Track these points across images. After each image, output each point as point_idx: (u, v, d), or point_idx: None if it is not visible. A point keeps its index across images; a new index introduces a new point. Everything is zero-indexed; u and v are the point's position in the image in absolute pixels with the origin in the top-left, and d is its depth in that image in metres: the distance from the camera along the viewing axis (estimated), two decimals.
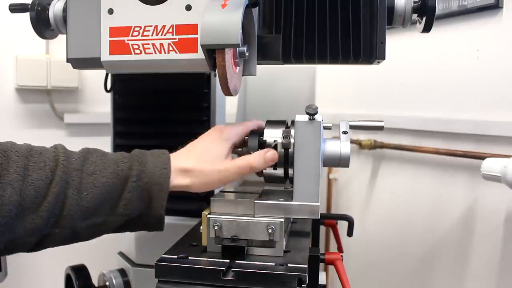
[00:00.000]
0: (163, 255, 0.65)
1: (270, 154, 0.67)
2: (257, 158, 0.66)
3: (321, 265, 0.69)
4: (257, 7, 0.71)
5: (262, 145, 0.70)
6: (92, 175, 0.60)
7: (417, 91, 1.40)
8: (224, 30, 0.59)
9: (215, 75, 0.92)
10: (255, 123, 0.73)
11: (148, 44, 0.69)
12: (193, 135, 0.95)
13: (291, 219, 0.81)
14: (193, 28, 0.67)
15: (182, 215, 0.95)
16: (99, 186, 0.60)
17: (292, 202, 0.66)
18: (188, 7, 0.67)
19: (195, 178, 0.65)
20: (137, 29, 0.69)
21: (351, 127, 0.73)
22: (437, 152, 1.28)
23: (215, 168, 0.66)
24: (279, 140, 0.69)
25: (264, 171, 0.72)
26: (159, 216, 0.65)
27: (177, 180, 0.65)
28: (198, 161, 0.66)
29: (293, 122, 0.67)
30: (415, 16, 0.77)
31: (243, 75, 0.73)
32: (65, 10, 0.78)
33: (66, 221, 0.59)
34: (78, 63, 0.77)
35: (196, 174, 0.65)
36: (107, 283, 0.96)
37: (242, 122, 0.72)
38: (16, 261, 1.36)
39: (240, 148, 0.73)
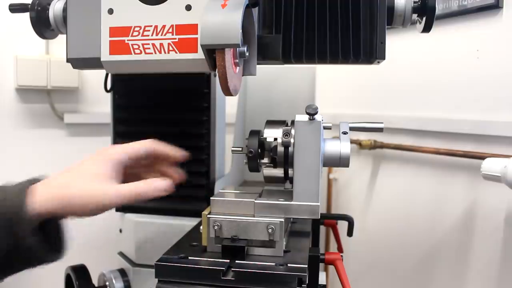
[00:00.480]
0: (163, 255, 0.65)
1: (159, 184, 0.62)
2: (144, 187, 0.61)
3: (321, 265, 0.68)
4: (257, 7, 0.71)
5: (262, 144, 0.70)
6: None
7: (417, 91, 1.40)
8: (224, 30, 0.59)
9: (215, 75, 0.92)
10: (147, 144, 0.67)
11: (148, 44, 0.69)
12: (193, 135, 0.96)
13: (291, 219, 0.81)
14: (193, 28, 0.67)
15: (182, 215, 0.95)
16: None
17: (292, 202, 0.66)
18: (188, 7, 0.67)
19: (66, 203, 0.57)
20: (137, 29, 0.69)
21: (351, 128, 0.73)
22: (437, 152, 1.28)
23: (89, 191, 0.58)
24: (279, 139, 0.69)
25: (264, 171, 0.72)
26: (32, 248, 0.56)
27: (45, 206, 0.56)
28: (69, 184, 0.59)
29: (293, 122, 0.67)
30: (415, 16, 0.77)
31: (243, 75, 0.73)
32: (65, 10, 0.78)
33: None
34: (78, 63, 0.77)
35: (66, 198, 0.57)
36: (107, 283, 0.96)
37: (134, 142, 0.67)
38: None
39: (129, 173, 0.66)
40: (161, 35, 0.68)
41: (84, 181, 0.59)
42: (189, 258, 0.64)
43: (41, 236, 0.57)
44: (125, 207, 0.99)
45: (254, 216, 0.66)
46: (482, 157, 1.07)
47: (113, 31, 0.70)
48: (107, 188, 0.59)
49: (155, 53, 0.69)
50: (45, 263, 0.59)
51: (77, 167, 0.62)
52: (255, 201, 0.67)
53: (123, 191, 0.60)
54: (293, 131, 0.67)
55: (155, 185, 0.62)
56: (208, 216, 0.67)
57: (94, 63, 0.73)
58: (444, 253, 1.31)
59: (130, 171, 0.67)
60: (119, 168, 0.63)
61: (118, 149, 0.64)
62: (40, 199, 0.56)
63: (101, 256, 1.13)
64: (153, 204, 0.97)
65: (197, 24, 0.67)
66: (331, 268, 0.71)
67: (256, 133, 0.71)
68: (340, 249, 0.98)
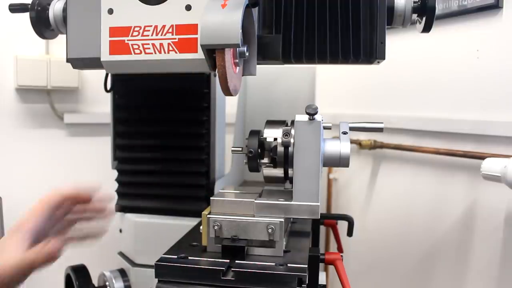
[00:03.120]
0: (163, 255, 0.65)
1: (48, 248, 0.60)
2: (32, 256, 0.59)
3: (321, 265, 0.69)
4: (257, 7, 0.71)
5: (262, 144, 0.70)
6: None
7: (417, 91, 1.40)
8: (224, 30, 0.59)
9: (215, 75, 0.92)
10: (48, 200, 0.65)
11: (148, 44, 0.69)
12: (193, 135, 0.96)
13: (291, 219, 0.81)
14: (193, 28, 0.67)
15: (182, 215, 0.95)
16: None
17: (292, 202, 0.66)
18: (188, 7, 0.67)
19: None
20: (137, 29, 0.69)
21: (351, 128, 0.73)
22: (437, 152, 1.28)
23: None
24: (279, 139, 0.68)
25: (264, 171, 0.72)
26: None
27: None
28: None
29: (293, 122, 0.67)
30: (415, 16, 0.77)
31: (243, 75, 0.73)
32: (65, 10, 0.78)
33: None
34: (78, 63, 0.77)
35: None
36: (107, 283, 0.96)
37: (35, 206, 0.64)
38: None
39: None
40: (161, 35, 0.68)
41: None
42: (189, 258, 0.64)
43: None
44: (125, 207, 0.99)
45: (254, 216, 0.66)
46: (482, 157, 1.07)
47: (113, 31, 0.70)
48: (5, 258, 0.58)
49: (155, 53, 0.69)
50: None
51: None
52: (255, 201, 0.67)
53: (17, 262, 0.58)
54: (293, 131, 0.67)
55: (45, 250, 0.60)
56: (208, 216, 0.67)
57: (94, 63, 0.73)
58: (444, 253, 1.31)
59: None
60: (29, 236, 0.61)
61: (28, 216, 0.63)
62: None
63: (101, 256, 1.13)
64: (153, 204, 0.97)
65: (197, 24, 0.67)
66: (331, 268, 0.71)
67: (256, 133, 0.71)
68: (340, 249, 0.98)
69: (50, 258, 0.60)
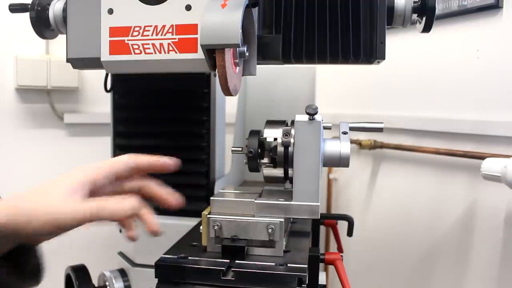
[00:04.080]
0: (163, 255, 0.65)
1: (129, 203, 0.54)
2: (111, 206, 0.53)
3: (321, 265, 0.68)
4: (257, 7, 0.71)
5: (262, 144, 0.70)
6: None
7: (417, 91, 1.40)
8: (224, 30, 0.59)
9: (215, 75, 0.92)
10: (123, 161, 0.58)
11: (148, 44, 0.69)
12: (193, 135, 0.96)
13: (291, 219, 0.81)
14: (193, 28, 0.67)
15: (182, 215, 0.95)
16: None
17: (292, 202, 0.66)
18: (188, 7, 0.67)
19: (18, 216, 0.50)
20: (137, 29, 0.69)
21: (351, 128, 0.73)
22: (437, 152, 1.28)
23: (47, 207, 0.51)
24: (279, 139, 0.68)
25: (264, 171, 0.72)
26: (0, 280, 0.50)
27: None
28: (24, 197, 0.52)
29: (293, 122, 0.67)
30: (415, 16, 0.77)
31: (243, 75, 0.73)
32: (65, 10, 0.79)
33: None
34: (78, 63, 0.77)
35: (19, 211, 0.50)
36: (107, 283, 0.96)
37: (112, 160, 0.59)
38: None
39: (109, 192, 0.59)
40: (161, 35, 0.68)
41: (41, 195, 0.52)
42: (189, 258, 0.64)
43: (11, 266, 0.51)
44: None
45: (254, 216, 0.66)
46: (482, 157, 1.07)
47: (113, 31, 0.70)
48: (64, 205, 0.51)
49: (155, 53, 0.69)
50: None
51: (38, 186, 0.55)
52: (255, 201, 0.67)
53: (83, 208, 0.51)
54: (293, 131, 0.67)
55: (124, 205, 0.53)
56: (208, 216, 0.67)
57: (94, 63, 0.73)
58: (444, 253, 1.31)
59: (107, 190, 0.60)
60: (85, 189, 0.54)
61: (91, 170, 0.56)
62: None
63: (101, 256, 1.13)
64: (153, 204, 0.97)
65: (197, 24, 0.67)
66: (331, 268, 0.71)
67: (256, 133, 0.71)
68: (340, 249, 0.98)
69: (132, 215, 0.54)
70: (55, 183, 0.54)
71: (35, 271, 0.55)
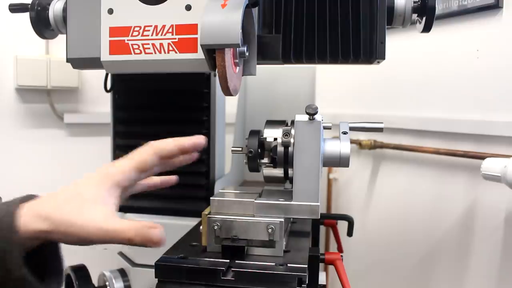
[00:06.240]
0: (163, 255, 0.65)
1: (152, 234, 0.52)
2: (132, 232, 0.51)
3: (321, 265, 0.69)
4: (257, 7, 0.71)
5: (262, 144, 0.70)
6: None
7: (417, 91, 1.40)
8: (224, 30, 0.59)
9: (215, 75, 0.92)
10: (151, 153, 0.56)
11: (148, 44, 0.69)
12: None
13: (291, 219, 0.81)
14: (193, 28, 0.67)
15: (182, 215, 0.95)
16: None
17: (292, 202, 0.66)
18: (188, 7, 0.67)
19: (55, 226, 0.49)
20: (137, 29, 0.69)
21: (351, 128, 0.73)
22: (437, 152, 1.28)
23: (79, 219, 0.49)
24: (279, 139, 0.69)
25: (264, 171, 0.72)
26: (24, 280, 0.48)
27: (35, 225, 0.49)
28: (59, 206, 0.50)
29: (293, 122, 0.67)
30: (415, 16, 0.77)
31: (243, 75, 0.73)
32: (65, 10, 0.78)
33: None
34: (78, 63, 0.77)
35: (56, 222, 0.49)
36: (107, 283, 0.96)
37: (137, 154, 0.57)
38: None
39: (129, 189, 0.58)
40: (161, 35, 0.68)
41: (75, 205, 0.51)
42: (189, 258, 0.64)
43: (33, 266, 0.50)
44: (125, 207, 0.99)
45: (254, 216, 0.66)
46: (482, 157, 1.07)
47: (113, 31, 0.70)
48: (104, 223, 0.50)
49: (155, 53, 0.69)
50: None
51: (71, 188, 0.53)
52: (255, 201, 0.67)
53: (111, 229, 0.50)
54: (293, 131, 0.67)
55: (146, 235, 0.51)
56: (208, 216, 0.67)
57: (94, 63, 0.73)
58: (444, 253, 1.31)
59: None
60: (118, 191, 0.54)
61: (120, 168, 0.55)
62: (29, 221, 0.49)
63: (101, 256, 1.13)
64: (153, 204, 0.97)
65: (197, 24, 0.67)
66: (331, 268, 0.71)
67: (256, 133, 0.71)
68: (340, 249, 0.98)
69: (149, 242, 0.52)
70: (86, 191, 0.52)
71: (57, 274, 0.54)
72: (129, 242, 0.51)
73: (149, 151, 0.56)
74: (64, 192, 0.53)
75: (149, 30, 0.69)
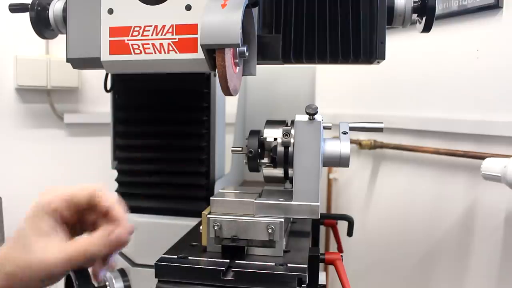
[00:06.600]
0: (163, 255, 0.65)
1: (115, 236, 0.50)
2: (96, 244, 0.49)
3: (321, 265, 0.69)
4: (257, 7, 0.71)
5: (262, 144, 0.70)
6: None
7: (417, 91, 1.40)
8: (224, 30, 0.59)
9: (215, 75, 0.92)
10: (90, 190, 0.52)
11: (148, 44, 0.69)
12: (193, 135, 0.96)
13: (291, 219, 0.81)
14: (193, 28, 0.67)
15: (182, 215, 0.95)
16: None
17: (292, 202, 0.66)
18: (188, 7, 0.67)
19: (11, 280, 0.47)
20: (137, 29, 0.69)
21: (351, 128, 0.73)
22: (437, 152, 1.28)
23: (32, 263, 0.47)
24: (279, 139, 0.69)
25: (264, 171, 0.72)
26: None
27: None
28: (9, 257, 0.48)
29: (293, 122, 0.67)
30: (415, 16, 0.77)
31: (243, 75, 0.73)
32: (65, 10, 0.78)
33: None
34: (78, 63, 0.77)
35: (12, 270, 0.47)
36: (107, 283, 0.96)
37: (78, 187, 0.53)
38: None
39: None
40: (161, 35, 0.68)
41: (25, 250, 0.48)
42: (189, 258, 0.64)
43: None
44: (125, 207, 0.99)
45: (254, 216, 0.66)
46: (482, 157, 1.07)
47: (113, 31, 0.70)
48: (49, 253, 0.48)
49: (155, 53, 0.69)
50: None
51: (18, 233, 0.50)
52: (255, 201, 0.67)
53: (68, 253, 0.48)
54: (293, 131, 0.67)
55: (110, 239, 0.49)
56: (208, 216, 0.67)
57: (94, 63, 0.73)
58: (444, 253, 1.31)
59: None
60: (59, 218, 0.51)
61: (56, 197, 0.51)
62: None
63: None
64: (153, 204, 0.97)
65: (197, 24, 0.67)
66: (331, 268, 0.71)
67: (256, 133, 0.71)
68: (340, 249, 0.98)
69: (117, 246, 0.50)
70: (31, 231, 0.49)
71: None
72: (98, 255, 0.50)
73: (87, 189, 0.53)
74: (14, 240, 0.50)
75: (149, 30, 0.69)
